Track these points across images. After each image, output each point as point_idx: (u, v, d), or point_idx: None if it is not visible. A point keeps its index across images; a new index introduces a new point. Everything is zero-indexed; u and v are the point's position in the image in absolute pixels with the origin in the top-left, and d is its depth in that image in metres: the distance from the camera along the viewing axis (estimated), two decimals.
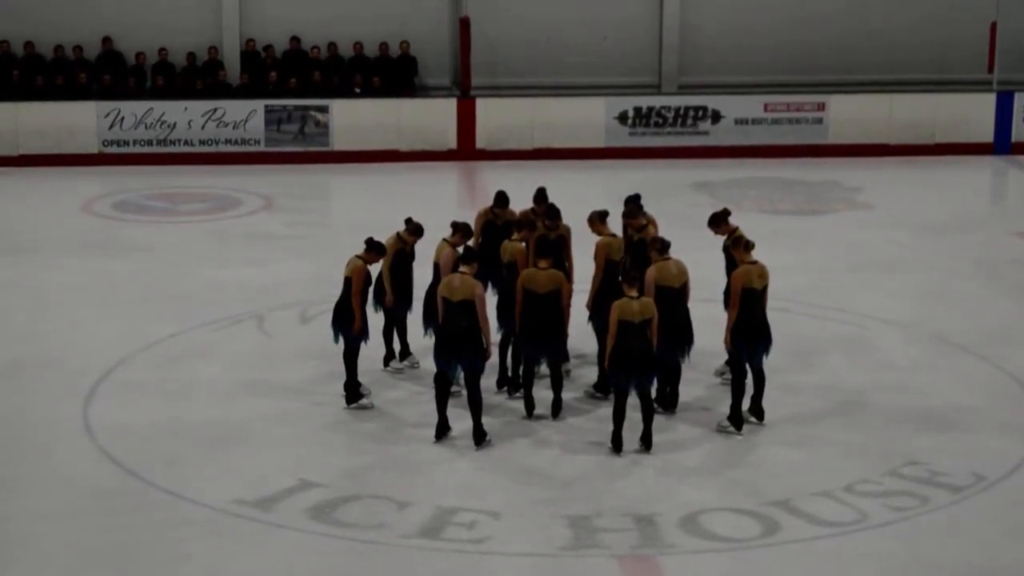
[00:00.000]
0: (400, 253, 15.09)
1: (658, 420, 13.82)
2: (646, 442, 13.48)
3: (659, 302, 13.60)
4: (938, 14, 29.86)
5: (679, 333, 14.15)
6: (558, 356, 14.44)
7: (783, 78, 29.35)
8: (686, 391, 14.68)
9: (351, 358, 14.43)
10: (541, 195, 15.69)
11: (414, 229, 15.19)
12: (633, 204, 15.29)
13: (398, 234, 15.15)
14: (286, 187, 25.18)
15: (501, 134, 27.44)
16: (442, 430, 13.74)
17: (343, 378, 14.52)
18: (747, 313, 13.80)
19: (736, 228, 14.77)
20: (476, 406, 13.62)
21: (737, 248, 14.16)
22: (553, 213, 15.12)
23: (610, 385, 13.74)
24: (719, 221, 14.97)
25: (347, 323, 14.26)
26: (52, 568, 11.40)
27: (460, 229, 14.81)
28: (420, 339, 15.33)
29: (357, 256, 14.35)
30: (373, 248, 14.45)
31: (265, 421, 14.27)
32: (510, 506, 12.42)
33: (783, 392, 14.72)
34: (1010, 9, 28.46)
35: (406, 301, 15.36)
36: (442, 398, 13.69)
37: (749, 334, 13.83)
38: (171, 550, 11.63)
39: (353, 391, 14.56)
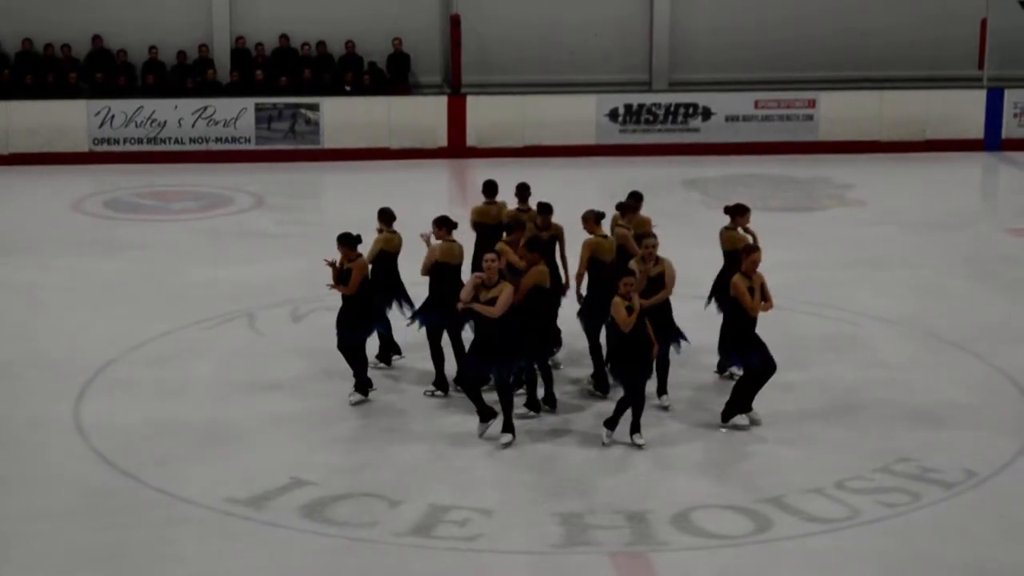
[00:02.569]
0: (384, 251, 15.02)
1: (650, 417, 13.82)
2: (636, 429, 13.48)
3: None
4: (929, 11, 29.89)
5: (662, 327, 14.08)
6: (547, 357, 14.40)
7: (773, 75, 29.36)
8: (678, 389, 14.68)
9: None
10: (524, 192, 15.57)
11: (387, 217, 15.11)
12: (624, 203, 15.24)
13: (380, 231, 15.08)
14: (277, 185, 25.16)
15: (492, 131, 27.42)
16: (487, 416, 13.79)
17: (334, 376, 14.60)
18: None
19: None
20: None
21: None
22: (545, 210, 15.05)
23: (615, 381, 13.73)
24: (738, 212, 15.03)
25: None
26: (44, 568, 11.37)
27: (444, 224, 14.62)
28: (414, 334, 15.27)
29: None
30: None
31: (257, 419, 14.25)
32: (502, 504, 12.41)
33: (775, 389, 14.67)
34: (1000, 6, 28.46)
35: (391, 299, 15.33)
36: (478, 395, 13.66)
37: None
38: (163, 549, 11.61)
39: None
